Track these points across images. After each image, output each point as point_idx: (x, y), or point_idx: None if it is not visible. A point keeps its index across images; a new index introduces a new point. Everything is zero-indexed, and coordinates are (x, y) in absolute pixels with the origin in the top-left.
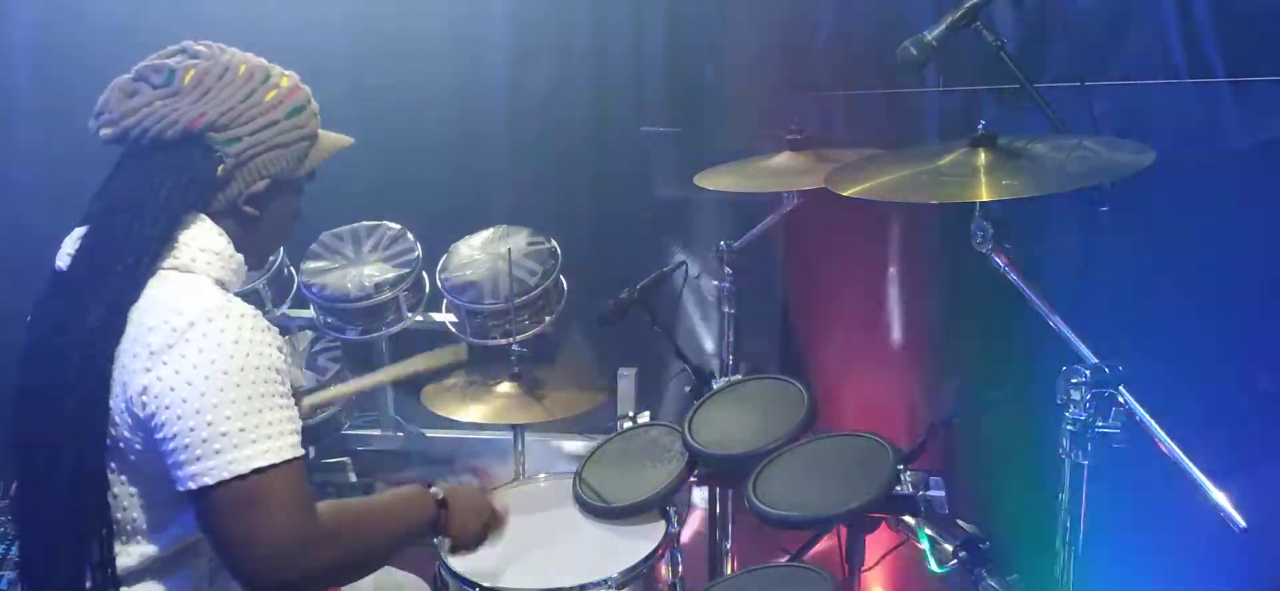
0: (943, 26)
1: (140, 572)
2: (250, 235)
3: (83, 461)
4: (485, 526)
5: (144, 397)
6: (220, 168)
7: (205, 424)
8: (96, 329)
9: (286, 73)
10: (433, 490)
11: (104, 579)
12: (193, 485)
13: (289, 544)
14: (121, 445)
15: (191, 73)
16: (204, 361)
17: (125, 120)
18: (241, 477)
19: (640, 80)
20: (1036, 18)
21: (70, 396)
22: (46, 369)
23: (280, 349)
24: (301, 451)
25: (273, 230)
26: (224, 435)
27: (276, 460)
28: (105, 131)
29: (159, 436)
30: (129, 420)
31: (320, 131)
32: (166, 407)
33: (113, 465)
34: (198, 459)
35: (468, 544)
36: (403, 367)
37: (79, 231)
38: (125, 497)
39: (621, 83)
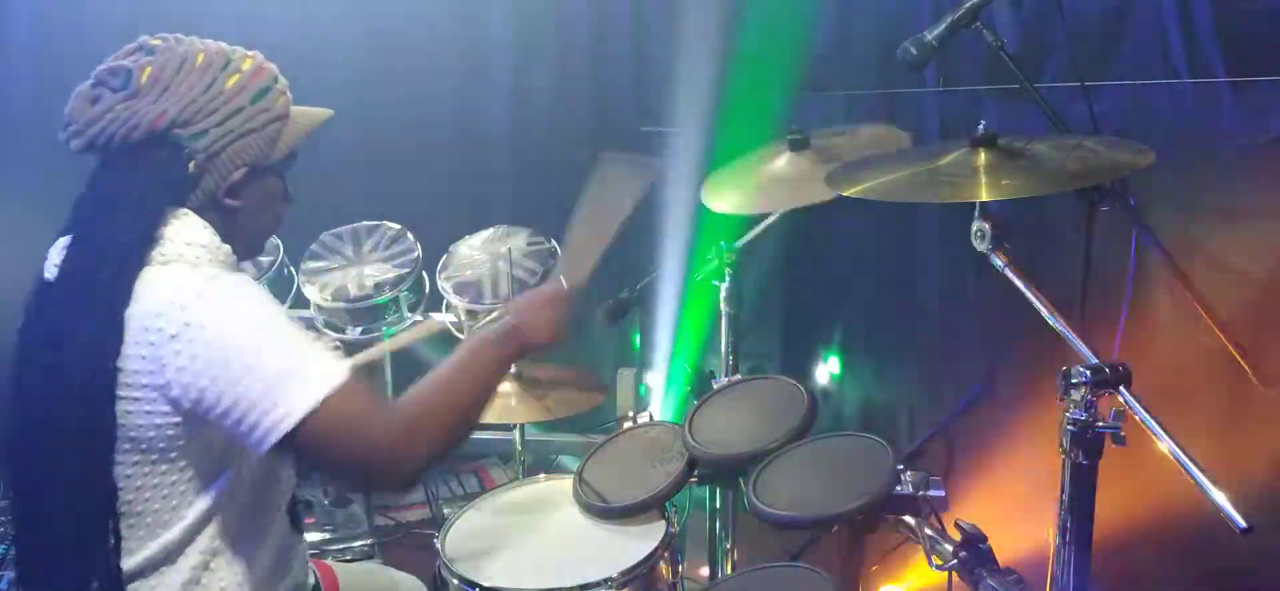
0: (943, 27)
1: (162, 558)
2: (235, 225)
3: (90, 470)
4: (561, 314)
5: (184, 381)
6: (191, 164)
7: (260, 377)
8: (93, 340)
9: (249, 54)
10: (505, 320)
11: (112, 582)
12: (276, 436)
13: (390, 441)
14: (151, 434)
15: (148, 70)
16: (225, 326)
17: (91, 129)
18: (318, 407)
19: (640, 80)
20: (1036, 18)
21: (73, 408)
22: (43, 381)
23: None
24: (349, 371)
25: (258, 218)
26: (283, 373)
27: (337, 381)
28: (75, 143)
29: (218, 411)
30: (165, 409)
31: (294, 110)
32: (212, 379)
33: (136, 460)
34: (272, 407)
35: (556, 339)
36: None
37: (63, 241)
38: (148, 489)
39: (621, 83)
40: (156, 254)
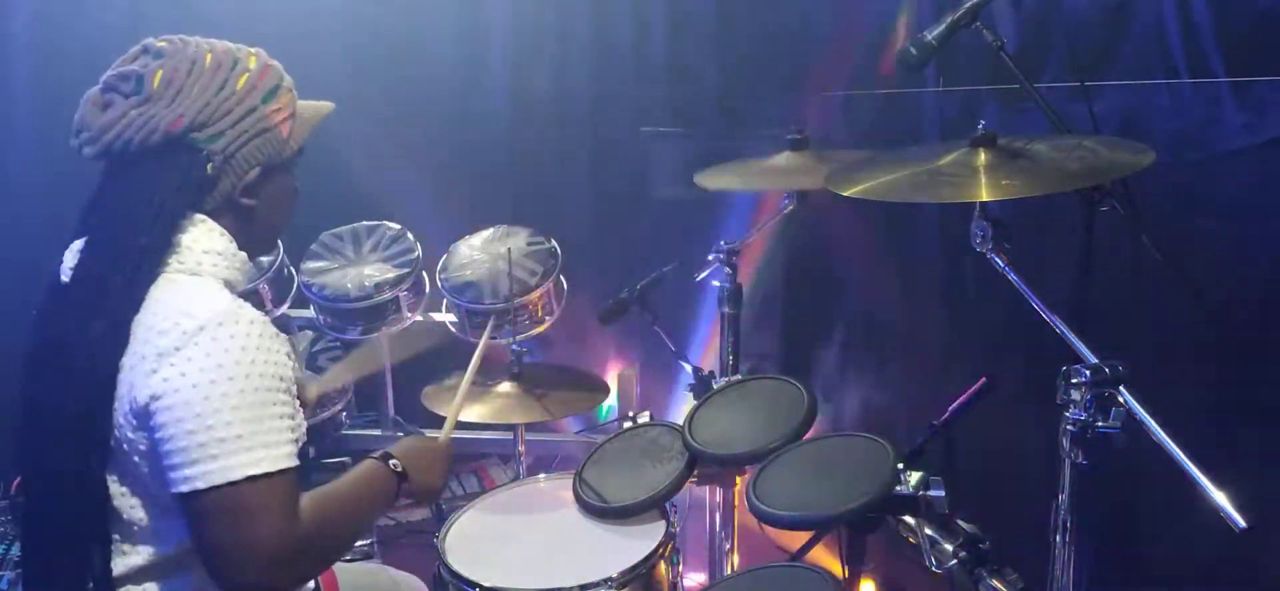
0: (943, 27)
1: (143, 573)
2: (250, 226)
3: (85, 471)
4: (443, 472)
5: (145, 398)
6: (209, 166)
7: (204, 427)
8: (99, 342)
9: (253, 51)
10: (392, 463)
11: (104, 585)
12: (185, 488)
13: (275, 553)
14: (125, 447)
15: (160, 75)
16: (210, 365)
17: (105, 135)
18: (233, 484)
19: (640, 80)
20: (1036, 18)
21: (73, 407)
22: (49, 381)
23: (288, 356)
24: (296, 462)
25: (272, 216)
26: (221, 440)
27: (270, 470)
28: (88, 150)
29: (157, 436)
30: (133, 421)
31: (299, 105)
32: (168, 408)
33: (118, 468)
34: (193, 462)
35: (431, 497)
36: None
37: (77, 244)
38: (131, 499)
39: (621, 83)
40: (174, 261)
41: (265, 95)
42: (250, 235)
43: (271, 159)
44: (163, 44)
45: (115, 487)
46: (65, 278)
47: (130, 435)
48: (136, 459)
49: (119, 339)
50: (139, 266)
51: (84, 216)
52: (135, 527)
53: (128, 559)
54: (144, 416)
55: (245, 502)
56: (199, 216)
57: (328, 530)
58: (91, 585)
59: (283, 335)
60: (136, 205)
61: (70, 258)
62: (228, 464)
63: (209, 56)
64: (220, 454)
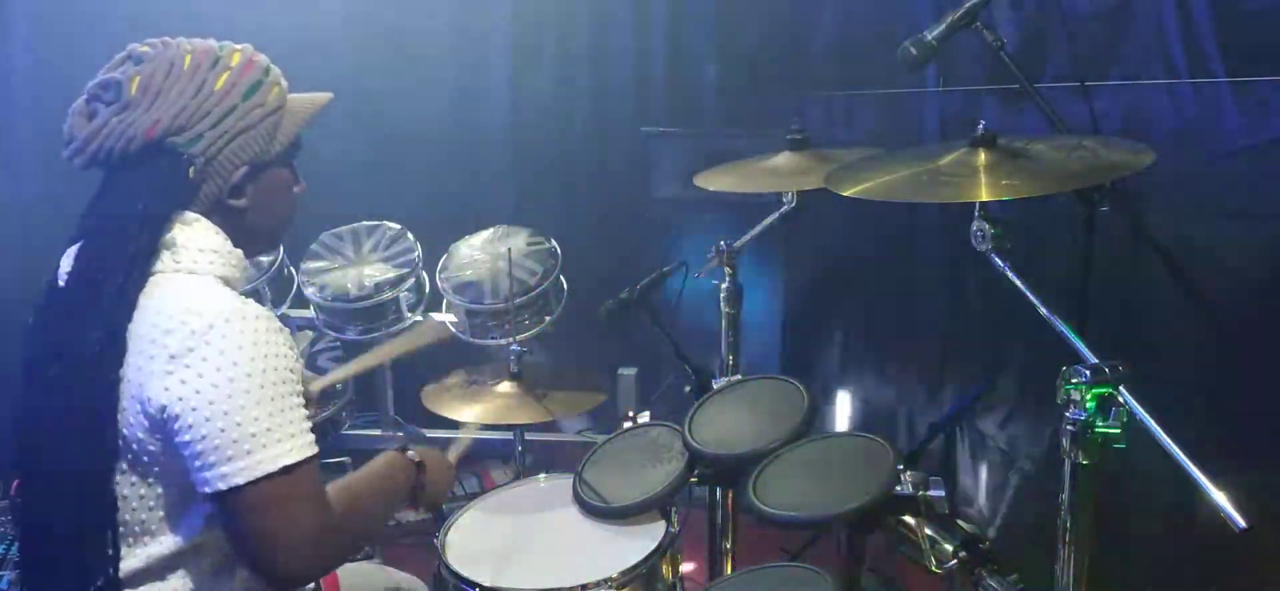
0: (943, 26)
1: (145, 573)
2: (244, 224)
3: (90, 476)
4: (451, 483)
5: (164, 401)
6: (190, 170)
7: (234, 425)
8: (96, 353)
9: (237, 48)
10: (410, 454)
11: (108, 582)
12: (222, 486)
13: (312, 536)
14: (134, 447)
15: (137, 80)
16: (226, 363)
17: (90, 145)
18: (269, 477)
19: (640, 80)
20: (1036, 18)
21: (76, 415)
22: (49, 387)
23: (292, 348)
24: (317, 448)
25: (267, 213)
26: (253, 436)
27: (300, 457)
28: (77, 161)
29: (181, 439)
30: (144, 423)
31: (291, 98)
32: (192, 410)
33: (123, 467)
34: (229, 459)
35: (437, 503)
36: (391, 348)
37: (73, 249)
38: (135, 499)
39: (621, 83)
40: (169, 260)
41: (247, 91)
42: (246, 233)
43: (257, 156)
44: (145, 48)
45: (128, 489)
46: (61, 282)
47: (141, 435)
48: (146, 458)
49: (116, 348)
50: (129, 273)
51: (81, 221)
52: (137, 527)
53: (126, 562)
54: (159, 420)
55: (282, 493)
56: (192, 215)
57: (356, 514)
58: (94, 587)
59: (285, 328)
60: (123, 212)
61: (66, 262)
62: (261, 457)
63: (188, 58)
64: (253, 448)
